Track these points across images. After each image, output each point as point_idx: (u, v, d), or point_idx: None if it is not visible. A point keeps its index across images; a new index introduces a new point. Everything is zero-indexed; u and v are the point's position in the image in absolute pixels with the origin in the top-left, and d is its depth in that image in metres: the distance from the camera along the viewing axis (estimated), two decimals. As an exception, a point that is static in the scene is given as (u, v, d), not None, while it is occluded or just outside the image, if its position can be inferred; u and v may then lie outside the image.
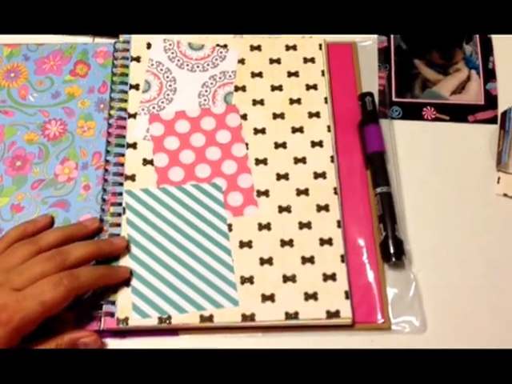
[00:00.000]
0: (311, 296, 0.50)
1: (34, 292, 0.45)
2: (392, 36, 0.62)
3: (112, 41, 0.61)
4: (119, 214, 0.53)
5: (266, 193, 0.54)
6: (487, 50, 0.61)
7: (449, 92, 0.60)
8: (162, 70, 0.59)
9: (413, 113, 0.58)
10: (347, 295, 0.50)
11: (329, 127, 0.57)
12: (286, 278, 0.51)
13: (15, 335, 0.45)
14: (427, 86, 0.60)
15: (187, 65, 0.59)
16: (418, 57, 0.61)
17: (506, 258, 0.53)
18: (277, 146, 0.56)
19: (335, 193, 0.54)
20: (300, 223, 0.53)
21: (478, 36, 0.62)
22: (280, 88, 0.58)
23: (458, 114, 0.59)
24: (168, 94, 0.58)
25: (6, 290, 0.45)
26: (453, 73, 0.61)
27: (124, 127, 0.56)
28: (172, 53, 0.60)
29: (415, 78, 0.60)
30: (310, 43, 0.60)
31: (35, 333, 0.46)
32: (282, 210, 0.54)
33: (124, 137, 0.56)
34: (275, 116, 0.57)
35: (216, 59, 0.59)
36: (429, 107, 0.59)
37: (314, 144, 0.56)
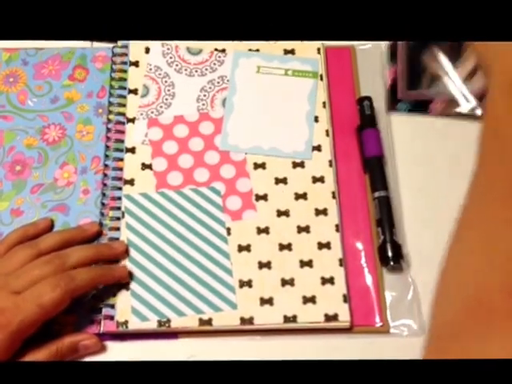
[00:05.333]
0: (309, 299, 0.50)
1: (32, 295, 0.45)
2: None
3: (110, 45, 0.61)
4: (118, 218, 0.53)
5: (264, 197, 0.54)
6: None
7: (456, 82, 0.58)
8: (160, 74, 0.59)
9: (421, 107, 0.58)
10: (345, 299, 0.51)
11: (327, 132, 0.57)
12: (284, 282, 0.51)
13: (15, 339, 0.45)
14: (435, 80, 0.59)
15: (185, 69, 0.59)
16: (426, 51, 0.59)
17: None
18: (275, 150, 0.56)
19: (333, 197, 0.54)
20: (298, 227, 0.53)
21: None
22: None
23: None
24: (166, 99, 0.58)
25: (5, 293, 0.46)
26: (459, 65, 0.58)
27: (123, 132, 0.57)
28: (170, 57, 0.60)
29: (423, 72, 0.59)
30: (309, 47, 0.60)
31: (35, 337, 0.47)
32: (280, 214, 0.54)
33: (123, 141, 0.56)
34: (273, 120, 0.58)
35: (214, 64, 0.60)
36: (437, 101, 0.58)
37: (312, 148, 0.56)
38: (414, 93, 0.58)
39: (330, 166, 0.55)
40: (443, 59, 0.58)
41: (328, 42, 0.61)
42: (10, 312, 0.45)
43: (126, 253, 0.52)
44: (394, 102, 0.58)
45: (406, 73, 0.59)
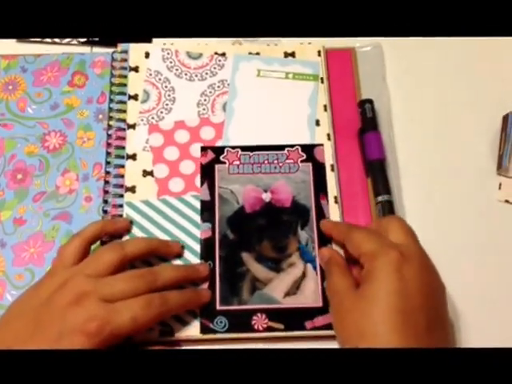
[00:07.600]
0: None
1: (126, 307, 0.44)
2: (217, 223, 0.53)
3: (110, 50, 0.60)
4: (120, 226, 0.53)
5: (267, 202, 0.54)
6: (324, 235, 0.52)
7: (282, 293, 0.51)
8: (160, 79, 0.59)
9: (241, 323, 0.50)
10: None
11: (328, 135, 0.56)
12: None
13: (101, 348, 0.43)
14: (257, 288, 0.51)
15: (186, 74, 0.59)
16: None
17: (509, 266, 0.53)
18: (277, 154, 0.56)
19: (336, 201, 0.54)
20: (301, 233, 0.53)
21: (314, 221, 0.53)
22: None
23: (293, 320, 0.50)
24: (167, 104, 0.58)
25: (95, 299, 0.44)
26: (286, 268, 0.52)
27: (123, 138, 0.56)
28: (170, 62, 0.59)
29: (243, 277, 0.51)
30: (309, 50, 0.60)
31: None
32: (281, 219, 0.54)
33: (124, 148, 0.56)
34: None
35: (214, 68, 0.59)
36: (260, 314, 0.50)
37: (314, 152, 0.56)
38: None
39: (332, 170, 0.55)
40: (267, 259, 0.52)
41: (328, 43, 0.60)
42: (101, 320, 0.43)
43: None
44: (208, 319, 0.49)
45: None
